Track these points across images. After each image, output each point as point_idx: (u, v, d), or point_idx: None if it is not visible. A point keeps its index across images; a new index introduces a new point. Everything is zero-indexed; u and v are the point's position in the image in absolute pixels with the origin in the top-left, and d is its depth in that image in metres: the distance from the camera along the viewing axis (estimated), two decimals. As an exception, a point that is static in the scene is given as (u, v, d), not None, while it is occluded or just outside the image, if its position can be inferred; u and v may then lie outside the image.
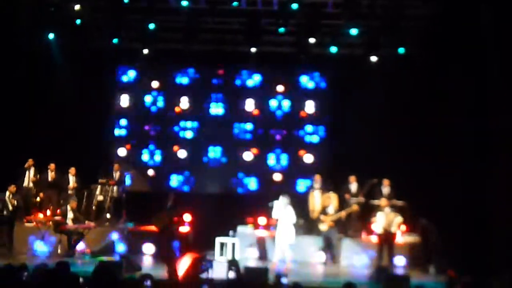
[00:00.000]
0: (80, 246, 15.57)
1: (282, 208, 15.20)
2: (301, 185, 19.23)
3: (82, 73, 18.41)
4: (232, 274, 11.94)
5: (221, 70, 19.82)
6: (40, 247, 15.76)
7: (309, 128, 19.56)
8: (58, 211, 16.02)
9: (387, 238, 15.06)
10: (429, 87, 16.88)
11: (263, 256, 16.18)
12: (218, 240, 15.73)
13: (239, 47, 18.38)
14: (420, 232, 15.67)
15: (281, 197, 15.37)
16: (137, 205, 17.42)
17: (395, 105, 17.49)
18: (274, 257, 15.25)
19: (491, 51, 14.47)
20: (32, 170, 17.14)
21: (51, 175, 17.32)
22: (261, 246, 16.38)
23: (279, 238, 15.18)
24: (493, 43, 14.36)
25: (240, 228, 16.50)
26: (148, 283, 7.73)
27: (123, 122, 19.86)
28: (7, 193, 15.43)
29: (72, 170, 17.35)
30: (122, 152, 19.70)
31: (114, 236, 16.18)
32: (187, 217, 16.82)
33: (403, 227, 15.81)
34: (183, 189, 19.58)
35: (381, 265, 14.31)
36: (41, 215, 16.28)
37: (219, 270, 13.12)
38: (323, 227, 15.79)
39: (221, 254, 15.50)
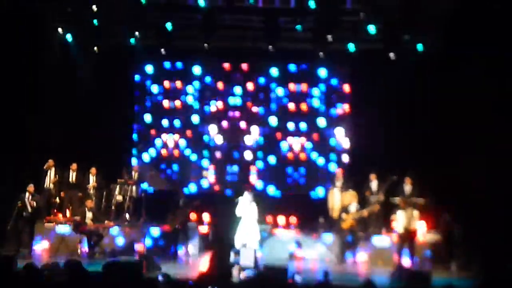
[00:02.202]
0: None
1: (247, 205, 15.12)
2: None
3: (101, 72, 18.42)
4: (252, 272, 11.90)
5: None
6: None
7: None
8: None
9: (408, 236, 14.95)
10: (450, 83, 16.67)
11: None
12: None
13: (258, 43, 18.29)
14: (443, 229, 15.52)
15: (245, 194, 15.31)
16: (157, 205, 17.43)
17: (416, 101, 17.32)
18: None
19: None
20: (52, 171, 17.18)
21: (72, 175, 17.37)
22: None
23: (243, 235, 15.06)
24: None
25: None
26: (160, 277, 7.69)
27: (147, 117, 19.81)
28: (27, 194, 15.45)
29: (93, 170, 17.40)
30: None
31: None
32: (206, 216, 16.83)
33: (423, 223, 15.66)
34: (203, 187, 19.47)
35: (402, 263, 14.18)
36: (61, 216, 16.42)
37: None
38: (344, 225, 15.71)
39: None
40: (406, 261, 14.53)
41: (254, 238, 15.07)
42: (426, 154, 16.86)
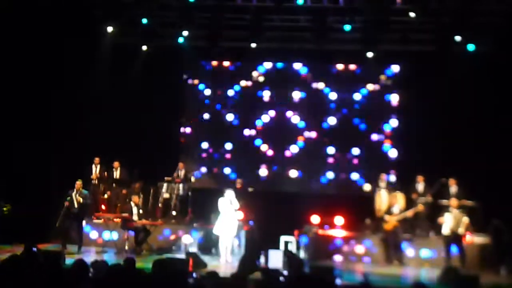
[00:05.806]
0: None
1: (228, 203, 15.07)
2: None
3: (149, 72, 18.58)
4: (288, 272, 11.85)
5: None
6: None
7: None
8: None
9: (454, 239, 14.77)
10: (501, 85, 16.42)
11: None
12: (283, 238, 15.65)
13: (306, 44, 18.23)
14: (492, 233, 15.26)
15: (226, 192, 15.25)
16: (203, 203, 17.50)
17: (466, 103, 17.03)
18: (221, 252, 15.08)
19: None
20: (98, 168, 17.44)
21: (116, 173, 17.61)
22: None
23: (223, 232, 15.04)
24: None
25: (306, 227, 16.43)
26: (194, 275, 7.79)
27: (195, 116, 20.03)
28: (74, 190, 15.61)
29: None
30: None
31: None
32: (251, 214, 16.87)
33: (471, 228, 15.45)
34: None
35: (450, 266, 13.99)
36: (109, 212, 16.64)
37: (274, 260, 13.38)
38: (387, 226, 15.60)
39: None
40: (454, 264, 14.36)
41: (229, 233, 15.04)
42: (476, 156, 16.61)
